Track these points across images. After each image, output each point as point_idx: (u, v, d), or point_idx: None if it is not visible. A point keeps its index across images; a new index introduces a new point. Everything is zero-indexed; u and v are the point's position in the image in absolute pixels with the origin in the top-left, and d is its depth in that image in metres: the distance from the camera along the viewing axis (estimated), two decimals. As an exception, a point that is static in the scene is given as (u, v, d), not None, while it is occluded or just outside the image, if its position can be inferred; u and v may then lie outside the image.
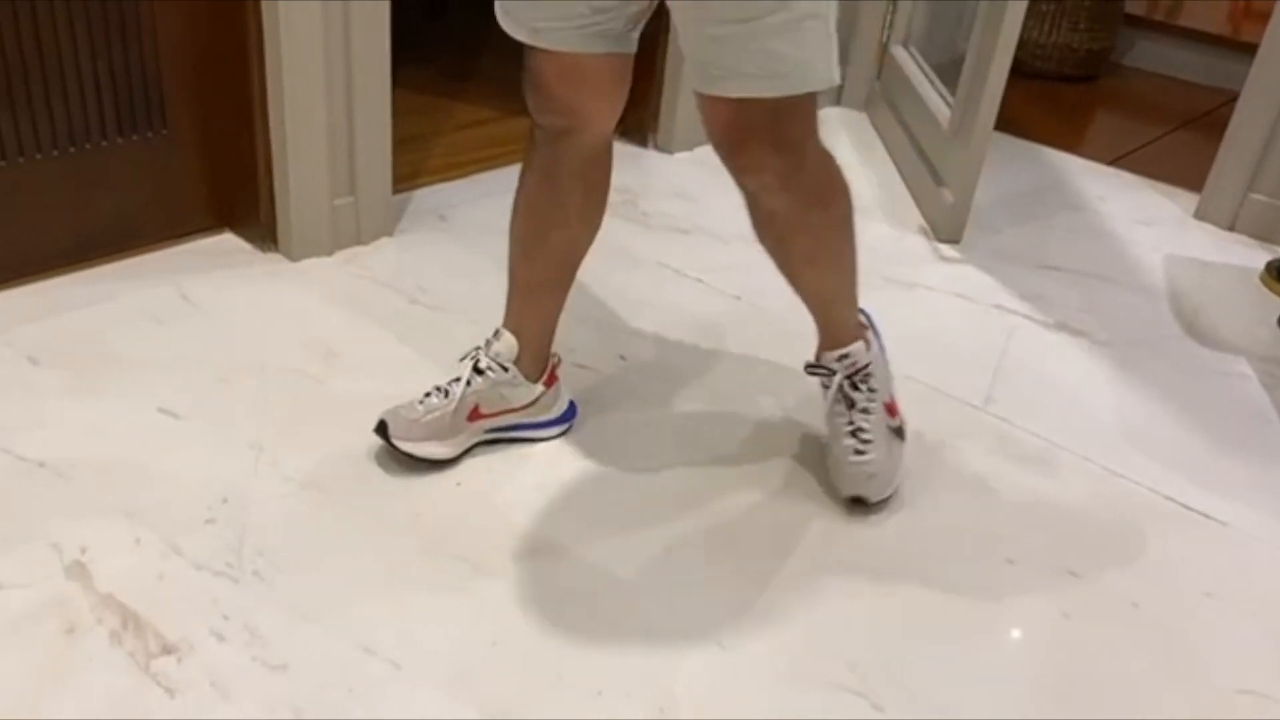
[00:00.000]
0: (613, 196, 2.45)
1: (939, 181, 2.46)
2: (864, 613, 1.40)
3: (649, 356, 1.90)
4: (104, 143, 1.91)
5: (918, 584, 1.46)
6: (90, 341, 1.77)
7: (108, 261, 1.98)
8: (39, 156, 1.85)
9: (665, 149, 2.69)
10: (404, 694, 1.22)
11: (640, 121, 2.70)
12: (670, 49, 2.59)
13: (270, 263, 2.07)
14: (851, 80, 3.04)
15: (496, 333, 1.59)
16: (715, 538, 1.51)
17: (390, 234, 2.20)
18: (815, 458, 1.67)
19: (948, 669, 1.33)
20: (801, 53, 1.25)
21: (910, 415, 1.64)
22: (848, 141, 2.90)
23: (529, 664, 1.28)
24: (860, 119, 3.04)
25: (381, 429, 1.53)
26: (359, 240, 2.15)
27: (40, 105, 1.82)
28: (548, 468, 1.60)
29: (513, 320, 1.60)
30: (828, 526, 1.54)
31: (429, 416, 1.54)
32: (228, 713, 1.18)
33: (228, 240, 2.13)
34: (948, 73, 2.60)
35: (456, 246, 2.21)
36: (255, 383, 1.72)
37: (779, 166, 1.34)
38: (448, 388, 1.57)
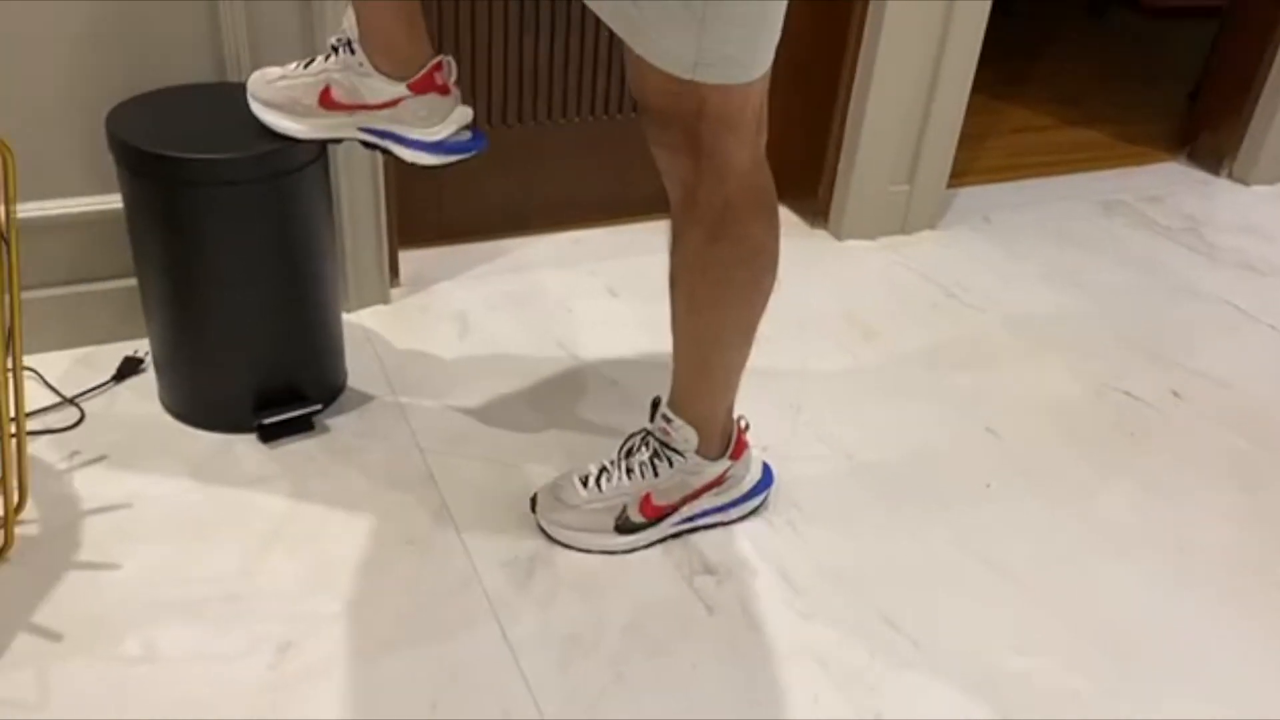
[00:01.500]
0: (1174, 222, 2.30)
1: None
2: None
3: (1206, 398, 1.74)
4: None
5: None
6: (657, 281, 1.95)
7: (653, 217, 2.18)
8: (633, 115, 2.06)
9: (1242, 179, 2.44)
10: (921, 676, 1.23)
11: (1217, 145, 2.47)
12: (1274, 67, 2.34)
13: (816, 239, 2.16)
14: None
15: None
16: (1241, 590, 1.36)
17: (933, 227, 2.21)
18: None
19: None
20: (644, 18, 1.06)
21: None
22: None
23: (1051, 683, 1.24)
24: None
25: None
26: (903, 229, 2.18)
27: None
28: (1076, 491, 1.54)
29: None
30: None
31: None
32: (756, 642, 1.26)
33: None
34: None
35: (999, 249, 2.17)
36: (796, 347, 1.81)
37: (669, 141, 1.17)
38: None
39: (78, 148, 1.51)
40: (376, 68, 1.23)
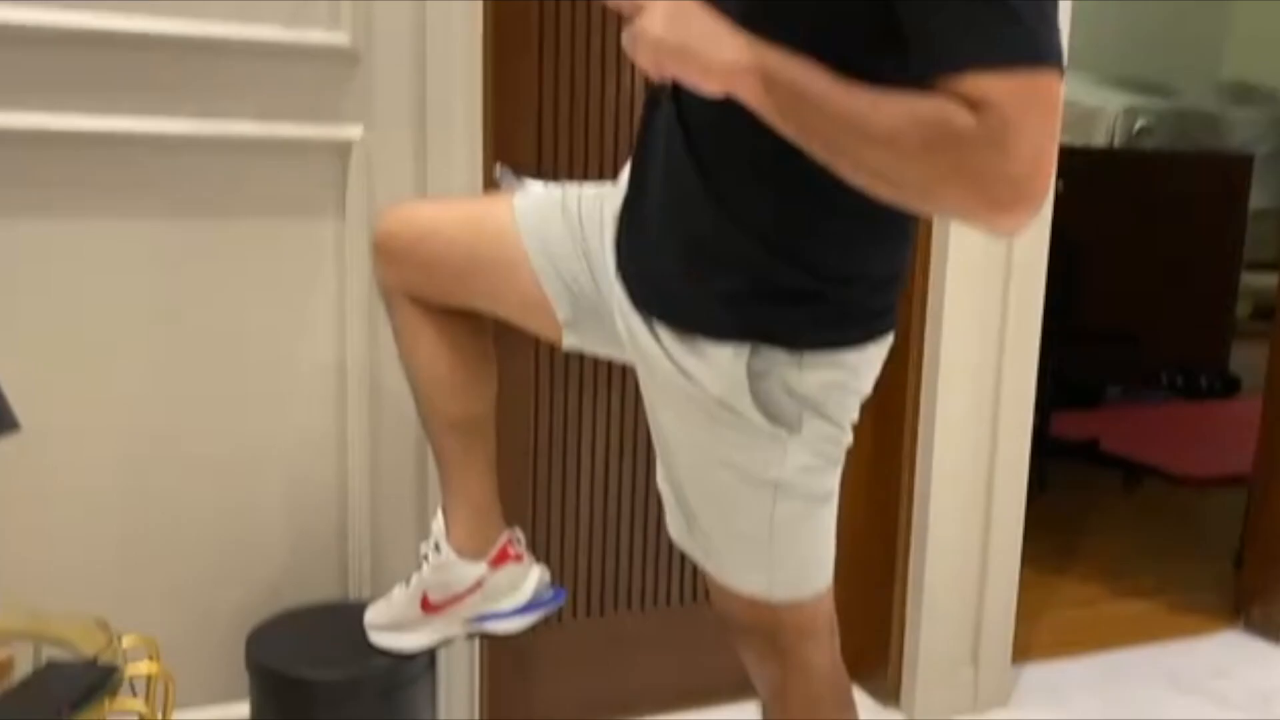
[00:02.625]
0: (1244, 698, 2.31)
1: None
2: None
3: None
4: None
5: None
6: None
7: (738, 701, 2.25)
8: (687, 604, 2.21)
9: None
10: None
11: (1270, 616, 2.54)
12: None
13: (888, 718, 2.20)
14: None
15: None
16: None
17: (1004, 705, 2.25)
18: None
19: None
20: (725, 560, 1.26)
21: None
22: None
23: None
24: None
25: None
26: (974, 708, 2.22)
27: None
28: None
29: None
30: None
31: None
32: None
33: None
34: None
35: (1074, 728, 2.18)
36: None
37: (754, 648, 1.30)
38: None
39: (211, 660, 1.67)
40: (459, 554, 1.42)
